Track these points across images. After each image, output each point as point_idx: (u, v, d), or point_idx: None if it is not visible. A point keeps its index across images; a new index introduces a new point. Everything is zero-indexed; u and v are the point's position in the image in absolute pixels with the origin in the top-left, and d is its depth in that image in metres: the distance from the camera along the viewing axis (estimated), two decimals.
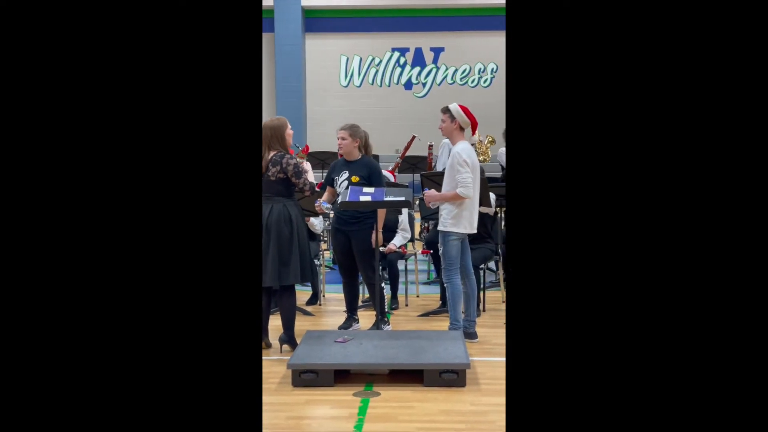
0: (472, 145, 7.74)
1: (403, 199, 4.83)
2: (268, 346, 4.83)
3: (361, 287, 6.21)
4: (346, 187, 4.97)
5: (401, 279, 6.26)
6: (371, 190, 4.93)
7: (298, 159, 4.69)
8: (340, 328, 5.24)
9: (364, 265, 5.11)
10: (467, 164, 4.76)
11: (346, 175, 5.10)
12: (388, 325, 5.23)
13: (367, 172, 5.06)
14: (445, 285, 4.98)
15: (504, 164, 7.81)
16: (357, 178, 5.05)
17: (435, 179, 5.63)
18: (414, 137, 7.98)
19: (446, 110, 4.90)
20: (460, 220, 4.82)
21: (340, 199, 4.95)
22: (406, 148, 7.78)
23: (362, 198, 4.85)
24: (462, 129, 4.89)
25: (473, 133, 4.98)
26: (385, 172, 7.00)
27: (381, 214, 5.04)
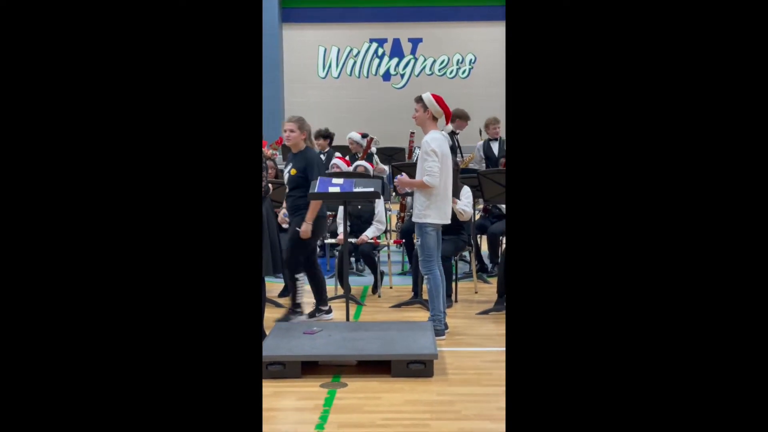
0: (454, 133, 7.78)
1: (371, 189, 4.82)
2: None
3: (333, 280, 6.21)
4: (287, 181, 5.15)
5: None
6: (340, 181, 4.92)
7: (266, 153, 4.67)
8: (309, 316, 5.25)
9: (288, 255, 5.12)
10: (435, 153, 4.75)
11: (289, 167, 5.21)
12: (330, 313, 5.32)
13: (304, 164, 5.11)
14: (425, 277, 4.97)
15: (483, 155, 7.82)
16: (295, 171, 5.13)
17: (405, 170, 5.62)
18: (372, 139, 7.98)
19: (419, 99, 4.89)
20: (432, 210, 4.82)
21: (309, 190, 4.93)
22: (366, 150, 7.79)
23: (331, 189, 4.83)
24: (435, 119, 4.87)
25: (447, 122, 4.96)
26: (338, 161, 6.99)
27: (314, 205, 5.00)
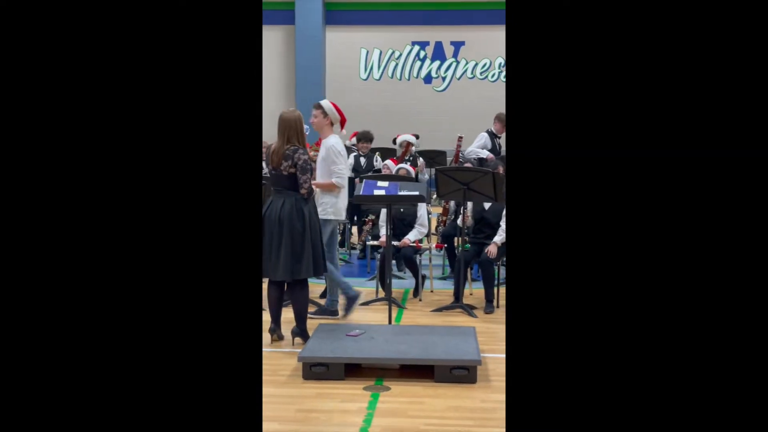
0: (496, 137, 7.80)
1: (416, 193, 4.82)
2: (280, 338, 4.85)
3: (375, 282, 6.21)
4: None
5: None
6: (385, 184, 4.93)
7: (309, 155, 4.68)
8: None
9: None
10: (341, 156, 5.28)
11: None
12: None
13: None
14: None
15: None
16: None
17: (449, 173, 5.60)
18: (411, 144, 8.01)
19: (319, 106, 5.39)
20: (336, 208, 5.25)
21: (354, 193, 4.97)
22: (405, 152, 7.90)
23: (376, 192, 4.84)
24: (332, 124, 5.42)
25: (341, 128, 5.53)
26: (389, 162, 7.14)
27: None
